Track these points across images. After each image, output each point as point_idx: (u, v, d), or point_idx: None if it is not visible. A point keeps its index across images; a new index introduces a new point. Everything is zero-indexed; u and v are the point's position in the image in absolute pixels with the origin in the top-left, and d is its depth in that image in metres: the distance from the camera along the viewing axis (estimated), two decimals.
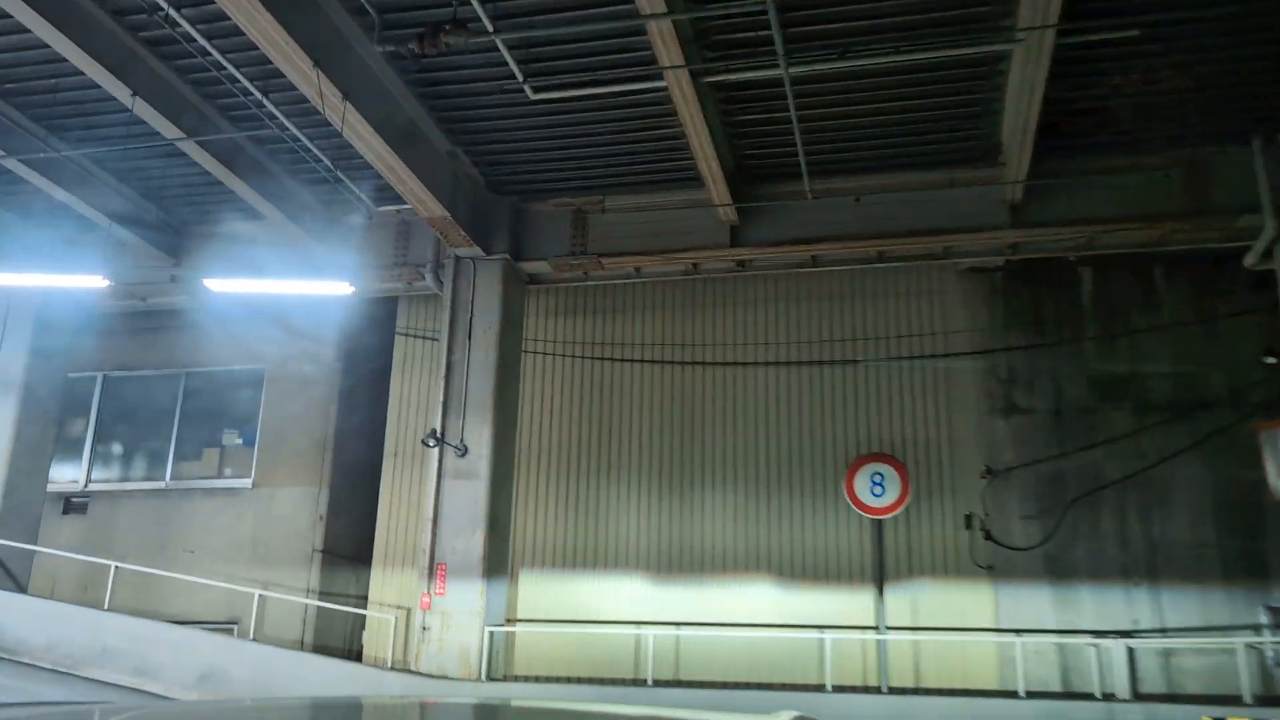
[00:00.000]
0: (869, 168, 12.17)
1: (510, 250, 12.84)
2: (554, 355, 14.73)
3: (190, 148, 11.10)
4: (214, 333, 15.88)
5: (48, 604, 12.57)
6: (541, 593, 13.79)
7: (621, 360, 14.59)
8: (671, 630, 12.89)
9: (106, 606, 12.32)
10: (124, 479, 15.84)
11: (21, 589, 13.27)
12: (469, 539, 11.90)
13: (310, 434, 15.29)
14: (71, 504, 15.74)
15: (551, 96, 10.40)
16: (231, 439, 15.73)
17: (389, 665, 11.79)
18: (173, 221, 13.78)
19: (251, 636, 12.27)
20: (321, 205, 13.24)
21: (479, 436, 12.23)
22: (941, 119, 11.32)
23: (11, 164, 11.24)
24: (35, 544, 13.56)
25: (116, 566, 12.52)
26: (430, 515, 12.08)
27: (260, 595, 13.26)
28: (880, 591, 12.59)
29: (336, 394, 15.49)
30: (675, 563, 13.64)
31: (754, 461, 13.83)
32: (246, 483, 15.28)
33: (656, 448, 14.20)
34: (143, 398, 16.22)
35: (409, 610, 13.51)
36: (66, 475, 15.97)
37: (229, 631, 14.42)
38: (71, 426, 16.20)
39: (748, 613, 13.12)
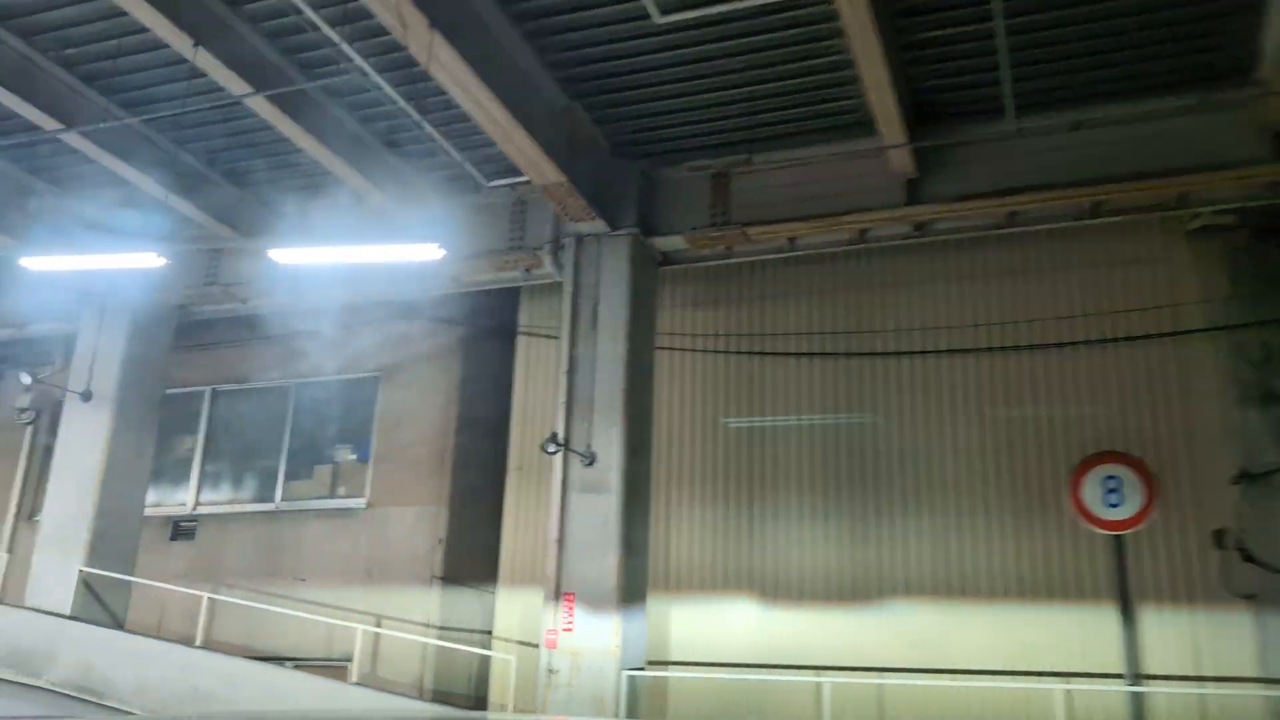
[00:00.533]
0: (1086, 96, 9.75)
1: (639, 224, 10.91)
2: (693, 351, 12.71)
3: (266, 111, 9.61)
4: (325, 340, 14.53)
5: (135, 640, 11.26)
6: (689, 629, 11.71)
7: (774, 354, 12.45)
8: (850, 676, 10.61)
9: (199, 642, 10.91)
10: (233, 500, 14.61)
11: (118, 622, 12.04)
12: (600, 563, 9.97)
13: (428, 448, 13.71)
14: (180, 528, 14.60)
15: (684, 18, 8.46)
16: (344, 455, 14.30)
17: (509, 714, 9.92)
18: (241, 195, 12.32)
19: (357, 679, 10.61)
20: (422, 180, 11.59)
21: (608, 442, 10.31)
22: (1180, 23, 8.85)
23: (75, 139, 10.00)
24: (131, 572, 12.33)
25: (209, 598, 11.12)
26: (555, 535, 10.20)
27: (373, 631, 11.67)
28: (1129, 630, 9.98)
29: (455, 403, 13.88)
30: (851, 591, 11.35)
31: (943, 468, 11.43)
32: (360, 502, 13.80)
33: (821, 454, 11.97)
34: (252, 412, 15.00)
35: (539, 647, 11.67)
36: (175, 498, 14.86)
37: (342, 670, 12.90)
38: (179, 445, 15.11)
39: (952, 654, 10.69)
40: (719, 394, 12.53)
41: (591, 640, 9.78)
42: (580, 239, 11.03)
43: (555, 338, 13.15)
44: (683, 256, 11.55)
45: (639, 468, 10.54)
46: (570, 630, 9.86)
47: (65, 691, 10.85)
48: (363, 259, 9.87)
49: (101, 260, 10.24)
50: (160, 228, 11.26)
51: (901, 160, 10.04)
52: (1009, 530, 10.98)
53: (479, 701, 12.43)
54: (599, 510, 10.13)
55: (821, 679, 9.80)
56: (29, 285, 13.82)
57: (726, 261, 11.70)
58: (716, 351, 12.65)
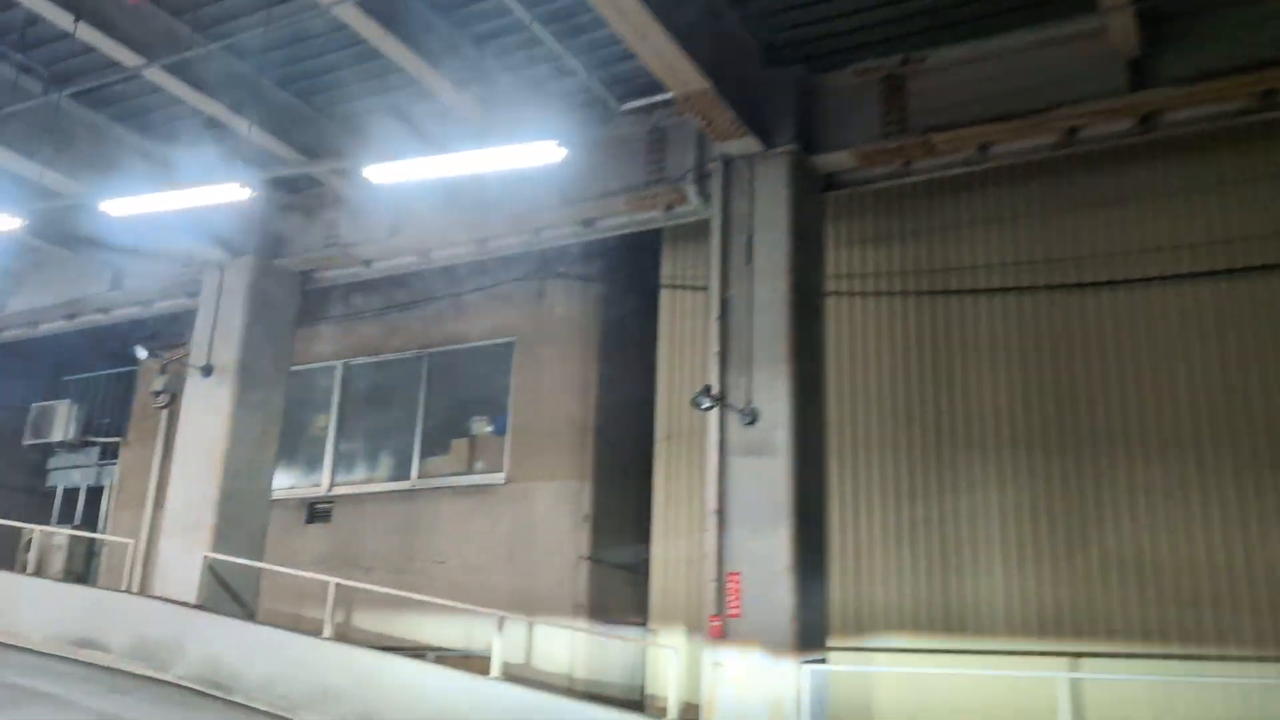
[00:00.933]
0: None
1: (797, 139, 9.29)
2: (864, 295, 11.01)
3: (363, 25, 8.43)
4: (456, 305, 13.47)
5: (262, 630, 10.38)
6: (879, 615, 10.07)
7: (961, 292, 10.64)
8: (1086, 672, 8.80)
9: (328, 633, 9.92)
10: (368, 480, 13.71)
11: (248, 612, 11.24)
12: (769, 538, 8.45)
13: (568, 417, 12.45)
14: (315, 511, 13.81)
15: None
16: (481, 427, 13.20)
17: (672, 716, 8.49)
18: (333, 125, 11.13)
19: (500, 673, 9.39)
20: (543, 108, 10.22)
21: (772, 397, 8.76)
22: None
23: (159, 75, 9.04)
24: (261, 558, 11.52)
25: (335, 584, 10.12)
26: (713, 506, 8.73)
27: (517, 620, 10.45)
28: None
29: (595, 367, 12.58)
30: (1070, 573, 9.48)
31: (1177, 423, 9.42)
32: (499, 478, 12.66)
33: (1024, 413, 10.11)
34: (384, 386, 14.09)
35: (701, 634, 10.27)
36: (310, 479, 14.08)
37: (485, 662, 11.78)
38: (313, 424, 14.33)
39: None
40: (896, 345, 10.80)
41: (761, 628, 8.28)
42: (729, 163, 9.49)
43: (703, 288, 11.71)
44: (850, 178, 9.85)
45: (810, 424, 8.95)
46: (737, 615, 8.38)
47: (193, 686, 10.05)
48: (477, 169, 8.51)
49: (186, 196, 9.21)
50: (248, 164, 10.20)
51: (1124, 33, 8.09)
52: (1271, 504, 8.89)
53: (636, 697, 11.10)
54: (765, 475, 8.60)
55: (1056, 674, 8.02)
56: (149, 258, 13.27)
57: (904, 181, 9.92)
58: (890, 294, 10.91)
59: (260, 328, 11.90)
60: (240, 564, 11.04)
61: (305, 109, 10.62)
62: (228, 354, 11.69)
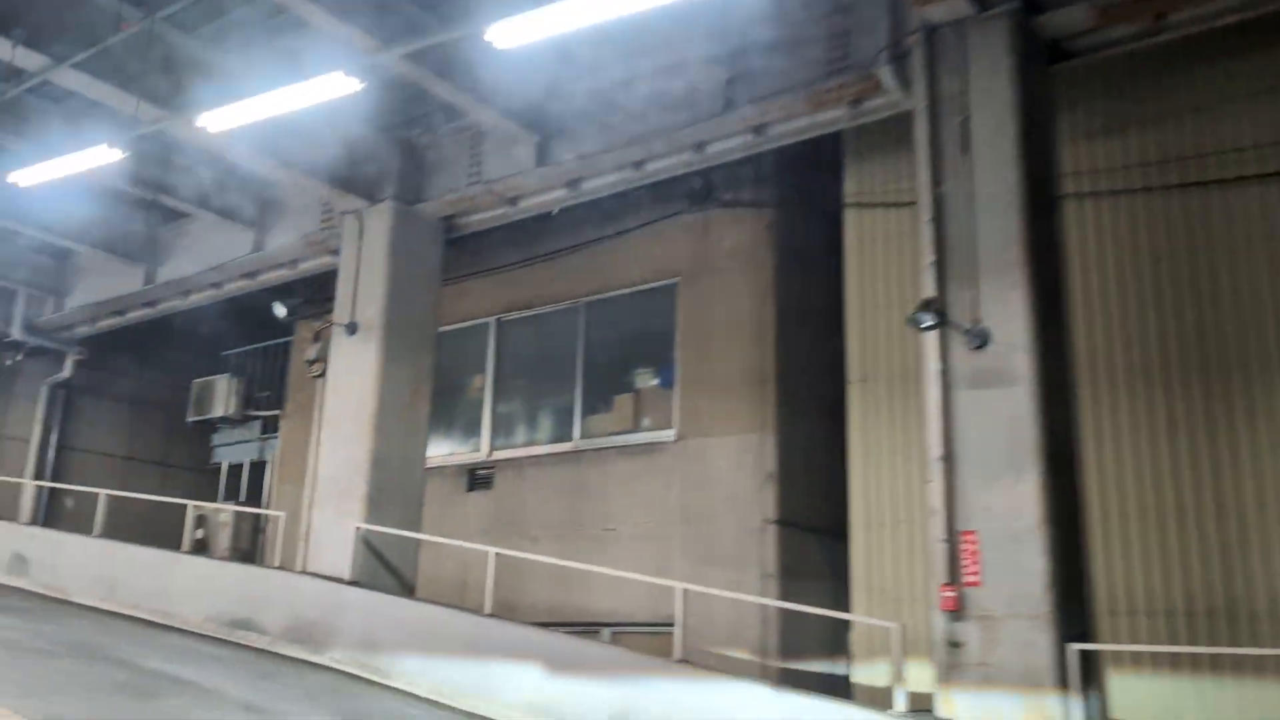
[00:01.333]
0: None
1: None
2: (1102, 195, 9.06)
3: None
4: (612, 245, 12.17)
5: (420, 608, 9.40)
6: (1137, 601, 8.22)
7: (1226, 182, 8.58)
8: None
9: (488, 608, 8.82)
10: (529, 443, 12.62)
11: (407, 586, 10.30)
12: (1012, 488, 6.77)
13: (743, 363, 10.99)
14: (476, 478, 12.83)
15: None
16: (646, 380, 11.89)
17: (900, 709, 6.94)
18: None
19: (682, 652, 8.04)
20: None
21: (1006, 315, 7.06)
22: None
23: None
24: (417, 528, 10.56)
25: (495, 554, 9.00)
26: (937, 451, 7.10)
27: (694, 591, 9.06)
28: None
29: (772, 304, 11.05)
30: None
31: None
32: (669, 435, 11.33)
33: None
34: (540, 341, 12.96)
35: (918, 606, 8.71)
36: (469, 444, 13.12)
37: (665, 638, 10.52)
38: (468, 386, 13.35)
39: None
40: (1143, 252, 8.83)
41: (1010, 598, 6.64)
42: (932, 33, 7.77)
43: (896, 205, 10.05)
44: (1084, 43, 7.98)
45: (1055, 347, 7.20)
46: (976, 583, 6.76)
47: (349, 670, 9.15)
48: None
49: (280, 99, 8.06)
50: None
51: None
52: None
53: (840, 678, 9.60)
54: (1002, 410, 6.92)
55: None
56: (289, 213, 12.55)
57: (1154, 42, 7.95)
58: (1135, 191, 8.93)
59: (404, 279, 10.91)
60: (395, 535, 10.09)
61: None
62: (372, 309, 10.74)
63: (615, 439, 11.78)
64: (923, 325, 7.04)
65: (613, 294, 12.24)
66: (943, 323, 7.06)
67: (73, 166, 9.04)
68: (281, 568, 10.60)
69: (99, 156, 8.76)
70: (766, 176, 11.28)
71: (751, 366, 10.96)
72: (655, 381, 11.76)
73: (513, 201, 10.90)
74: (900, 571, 9.46)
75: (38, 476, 16.19)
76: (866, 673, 9.35)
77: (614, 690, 7.93)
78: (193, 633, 10.24)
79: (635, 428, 11.72)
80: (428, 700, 8.52)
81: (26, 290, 15.46)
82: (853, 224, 10.49)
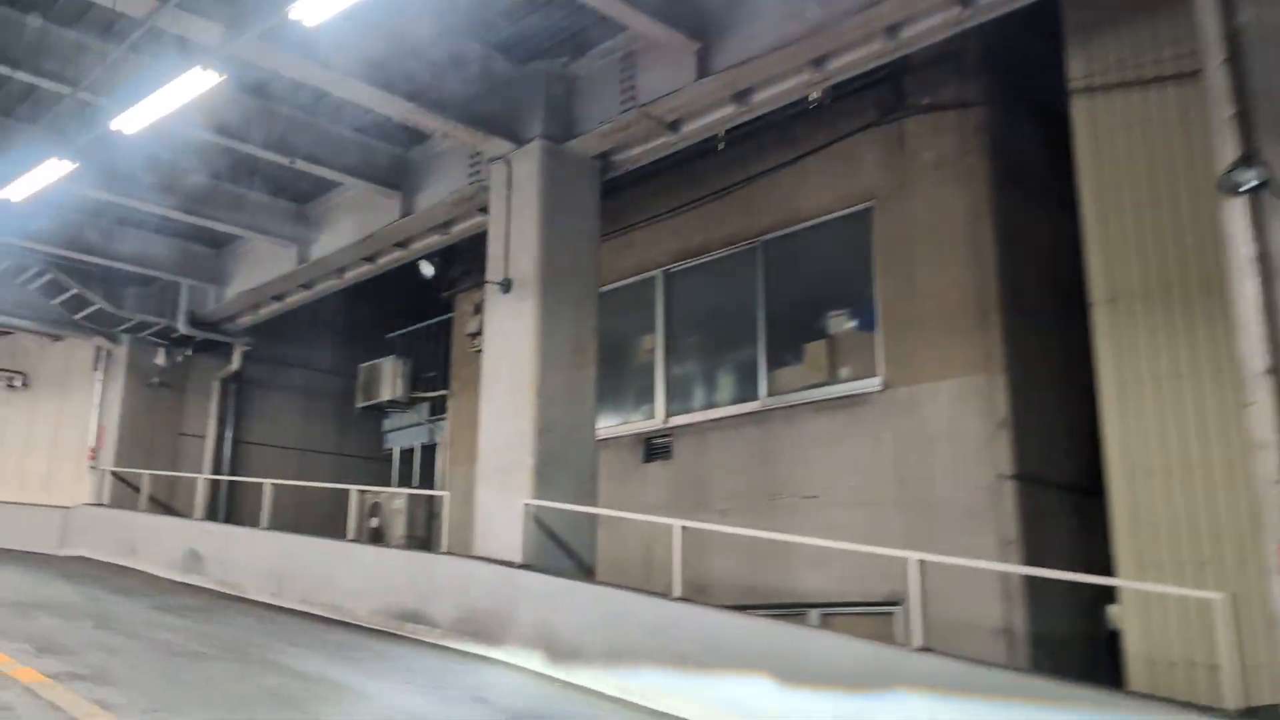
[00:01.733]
0: None
1: None
2: None
3: None
4: (791, 173, 10.64)
5: (600, 591, 8.18)
6: None
7: None
8: None
9: (677, 592, 7.51)
10: (709, 405, 11.27)
11: (586, 568, 9.14)
12: None
13: (959, 293, 9.29)
14: (653, 447, 11.59)
15: None
16: (840, 323, 10.32)
17: (1224, 709, 5.20)
18: None
19: (922, 636, 6.48)
20: None
21: None
22: None
23: None
24: (593, 502, 9.38)
25: (680, 527, 7.69)
26: (1261, 364, 5.31)
27: (933, 560, 7.43)
28: None
29: (989, 220, 9.29)
30: None
31: None
32: (874, 384, 9.75)
33: None
34: (715, 290, 11.58)
35: (1213, 571, 6.89)
36: (642, 411, 11.88)
37: (885, 619, 9.00)
38: (638, 348, 12.11)
39: None
40: None
41: None
42: None
43: (1139, 83, 8.15)
44: None
45: None
46: None
47: (526, 666, 8.05)
48: None
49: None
50: None
51: None
52: None
53: (1109, 660, 7.82)
54: None
55: None
56: (435, 171, 11.62)
57: None
58: None
59: (560, 225, 9.73)
60: (568, 510, 8.93)
61: None
62: (526, 261, 9.60)
63: (808, 394, 10.28)
64: (1239, 189, 5.23)
65: (795, 228, 10.72)
66: (1262, 187, 5.24)
67: (177, 98, 8.18)
68: (450, 553, 9.61)
69: (200, 82, 7.92)
70: (969, 70, 9.52)
71: (969, 297, 9.23)
72: (852, 324, 10.18)
73: (673, 126, 9.52)
74: (1180, 530, 7.60)
75: (215, 472, 16.04)
76: (1143, 659, 7.56)
77: (838, 683, 6.46)
78: (360, 627, 9.43)
79: (831, 379, 10.18)
80: (617, 700, 7.30)
81: (188, 281, 15.22)
82: (1084, 113, 8.59)
